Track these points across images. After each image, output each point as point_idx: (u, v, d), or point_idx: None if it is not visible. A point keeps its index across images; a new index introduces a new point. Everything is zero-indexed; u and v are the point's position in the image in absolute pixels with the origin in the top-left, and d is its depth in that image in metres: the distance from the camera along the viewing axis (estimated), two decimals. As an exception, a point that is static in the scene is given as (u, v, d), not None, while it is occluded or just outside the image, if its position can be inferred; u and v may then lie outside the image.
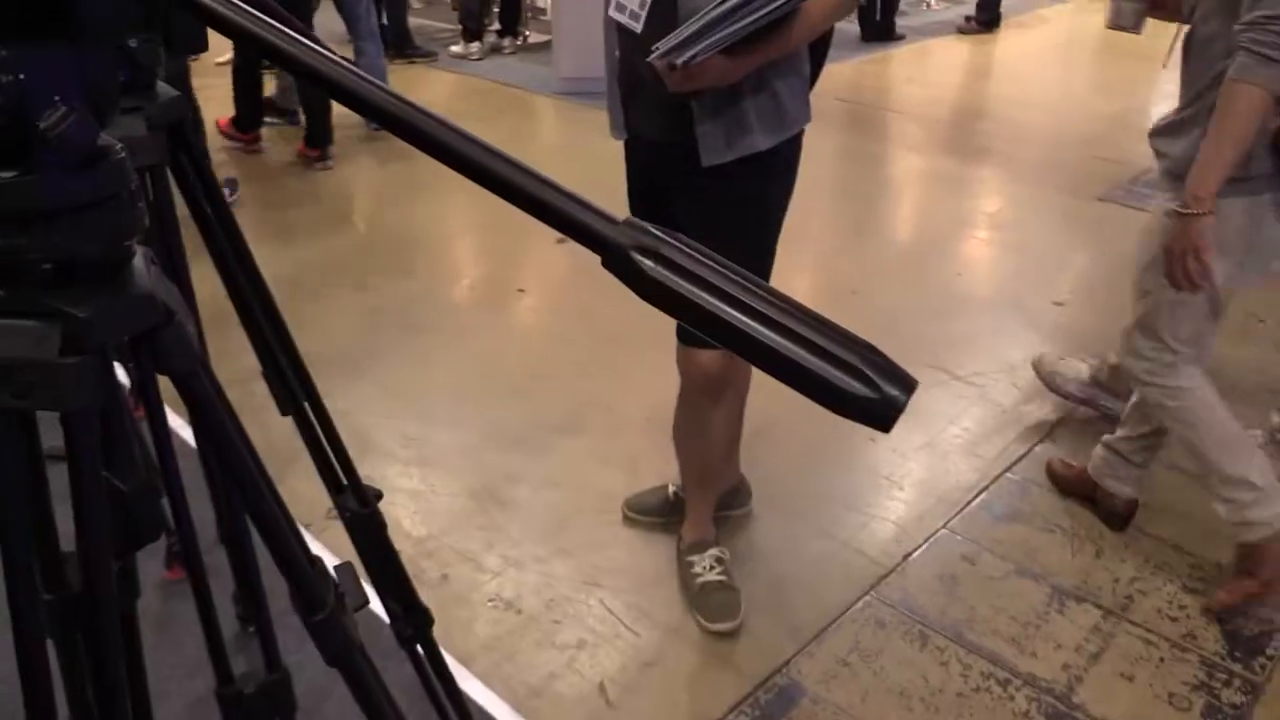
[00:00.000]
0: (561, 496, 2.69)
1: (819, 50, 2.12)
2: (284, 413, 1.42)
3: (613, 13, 2.02)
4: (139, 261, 0.70)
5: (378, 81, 0.55)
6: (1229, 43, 1.92)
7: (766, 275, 2.18)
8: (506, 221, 4.20)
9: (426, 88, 6.65)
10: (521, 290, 3.95)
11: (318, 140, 5.14)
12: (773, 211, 2.12)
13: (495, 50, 7.51)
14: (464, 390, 3.19)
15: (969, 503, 2.68)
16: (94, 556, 0.70)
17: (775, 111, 2.00)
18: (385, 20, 7.10)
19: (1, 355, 0.64)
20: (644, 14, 1.95)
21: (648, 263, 0.47)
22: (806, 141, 2.09)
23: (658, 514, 2.57)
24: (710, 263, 0.47)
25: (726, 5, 1.77)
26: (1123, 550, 2.50)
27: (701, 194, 2.06)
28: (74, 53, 0.62)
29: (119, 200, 0.66)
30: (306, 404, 1.46)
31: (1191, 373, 2.27)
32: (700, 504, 2.42)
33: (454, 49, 7.40)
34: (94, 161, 0.64)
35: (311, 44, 0.56)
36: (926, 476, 2.79)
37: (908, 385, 0.43)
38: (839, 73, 6.71)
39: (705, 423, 2.31)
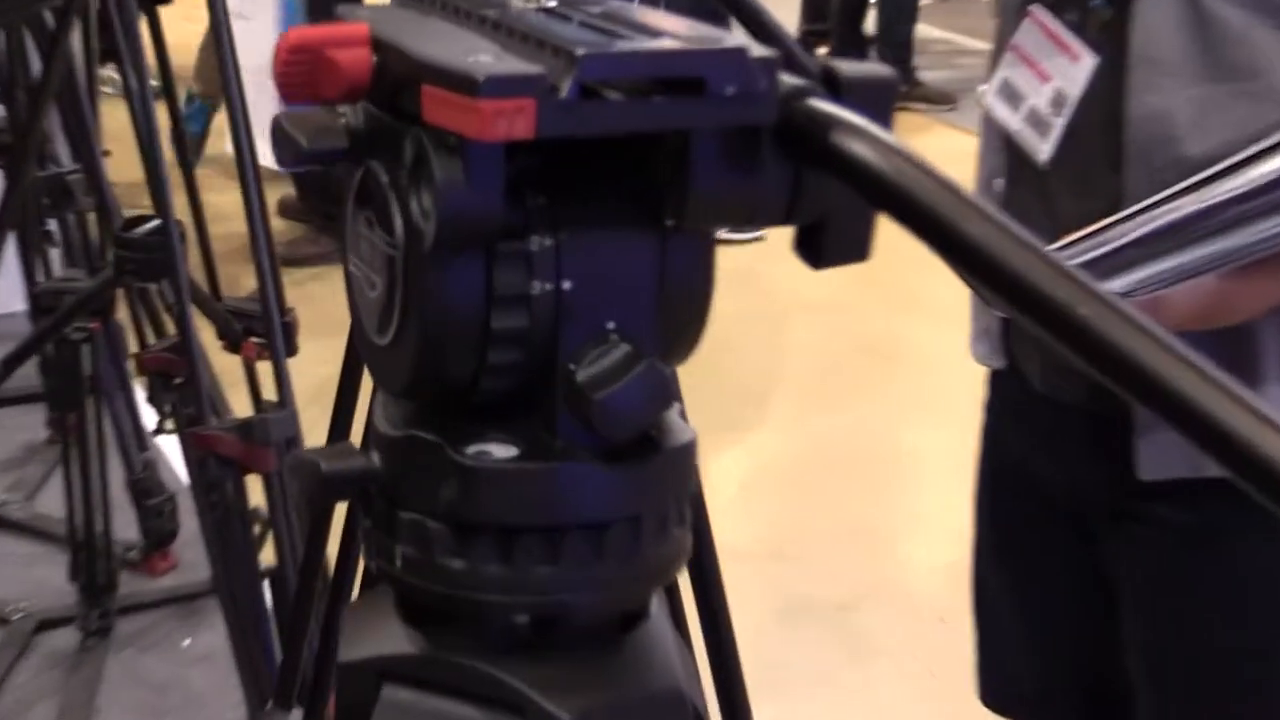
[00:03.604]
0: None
1: None
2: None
3: (992, 101, 1.01)
4: (659, 619, 0.38)
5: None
6: None
7: None
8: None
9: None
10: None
11: None
12: None
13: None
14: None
15: None
16: None
17: None
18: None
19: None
20: (1060, 124, 0.94)
21: None
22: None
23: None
24: None
25: (1196, 207, 0.82)
26: None
27: (1147, 544, 0.99)
28: (657, 247, 0.34)
29: (653, 519, 0.36)
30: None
31: None
32: None
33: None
34: (642, 449, 0.35)
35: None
36: None
37: None
38: None
39: None
